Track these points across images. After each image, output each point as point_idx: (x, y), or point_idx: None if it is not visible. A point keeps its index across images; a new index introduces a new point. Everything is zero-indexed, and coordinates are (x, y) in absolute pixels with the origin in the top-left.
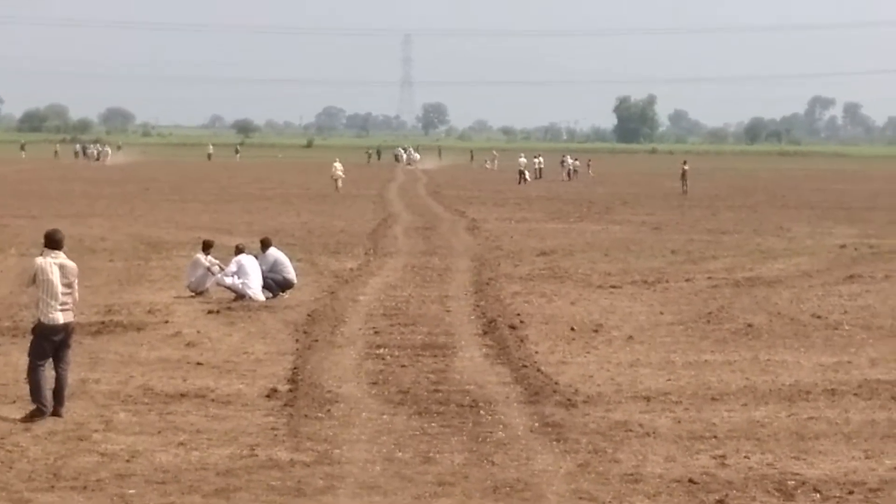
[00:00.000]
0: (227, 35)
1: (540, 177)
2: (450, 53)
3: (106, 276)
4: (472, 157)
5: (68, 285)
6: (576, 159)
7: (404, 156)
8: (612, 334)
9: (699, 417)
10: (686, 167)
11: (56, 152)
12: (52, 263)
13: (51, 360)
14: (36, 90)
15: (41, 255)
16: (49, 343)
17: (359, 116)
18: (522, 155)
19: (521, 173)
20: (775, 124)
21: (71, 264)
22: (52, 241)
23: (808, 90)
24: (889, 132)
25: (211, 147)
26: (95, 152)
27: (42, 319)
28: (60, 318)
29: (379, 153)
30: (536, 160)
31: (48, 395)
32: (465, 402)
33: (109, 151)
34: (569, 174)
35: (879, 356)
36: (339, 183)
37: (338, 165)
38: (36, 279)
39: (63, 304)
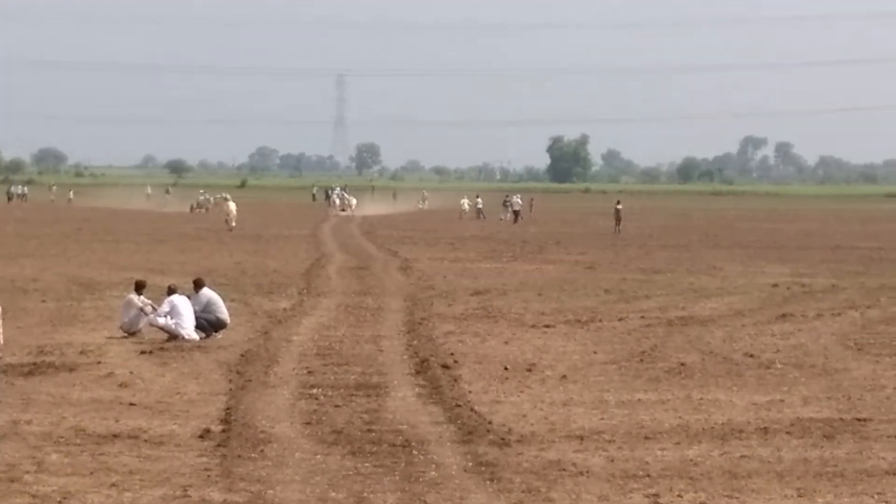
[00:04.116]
0: (159, 74)
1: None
2: (383, 93)
3: (38, 316)
4: (394, 196)
5: None
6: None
7: (336, 199)
8: (546, 373)
9: (632, 456)
10: (619, 206)
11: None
12: None
13: None
14: None
15: None
16: None
17: (292, 156)
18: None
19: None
20: (708, 164)
21: None
22: None
23: (740, 130)
24: (820, 172)
25: (149, 188)
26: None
27: None
28: None
29: (327, 193)
30: (477, 200)
31: None
32: (398, 441)
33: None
34: (515, 215)
35: (811, 395)
36: (233, 222)
37: (231, 205)
38: None
39: None
